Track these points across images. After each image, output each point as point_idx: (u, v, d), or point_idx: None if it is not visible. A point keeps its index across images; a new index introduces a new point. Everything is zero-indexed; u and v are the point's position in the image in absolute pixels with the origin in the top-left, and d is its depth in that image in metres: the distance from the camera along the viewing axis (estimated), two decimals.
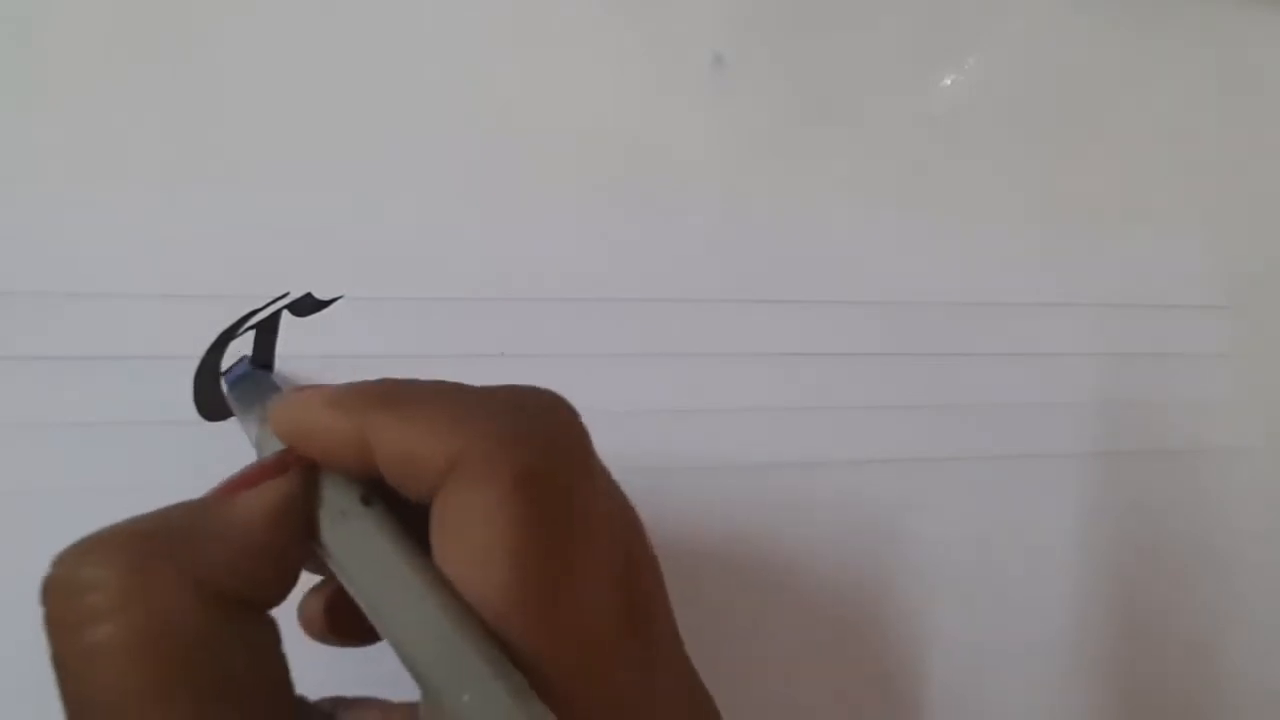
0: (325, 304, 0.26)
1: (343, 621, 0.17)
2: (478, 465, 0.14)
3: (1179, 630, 0.32)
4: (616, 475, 0.17)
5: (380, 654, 0.15)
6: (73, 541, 0.13)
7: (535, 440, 0.15)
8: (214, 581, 0.13)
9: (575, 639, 0.14)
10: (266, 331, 0.25)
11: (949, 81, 0.31)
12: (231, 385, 0.24)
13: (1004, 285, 0.31)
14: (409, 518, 0.15)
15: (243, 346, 0.25)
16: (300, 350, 0.25)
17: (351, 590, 0.15)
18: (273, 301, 0.25)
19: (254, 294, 0.25)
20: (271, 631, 0.14)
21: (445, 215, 0.27)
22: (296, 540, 0.15)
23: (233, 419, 0.25)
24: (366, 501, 0.15)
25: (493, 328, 0.27)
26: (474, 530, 0.14)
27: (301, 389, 0.16)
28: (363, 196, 0.26)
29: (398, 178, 0.27)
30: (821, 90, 0.30)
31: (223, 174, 0.26)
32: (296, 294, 0.26)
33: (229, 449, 0.25)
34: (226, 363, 0.25)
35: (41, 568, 0.23)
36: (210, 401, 0.25)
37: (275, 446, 0.17)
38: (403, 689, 0.15)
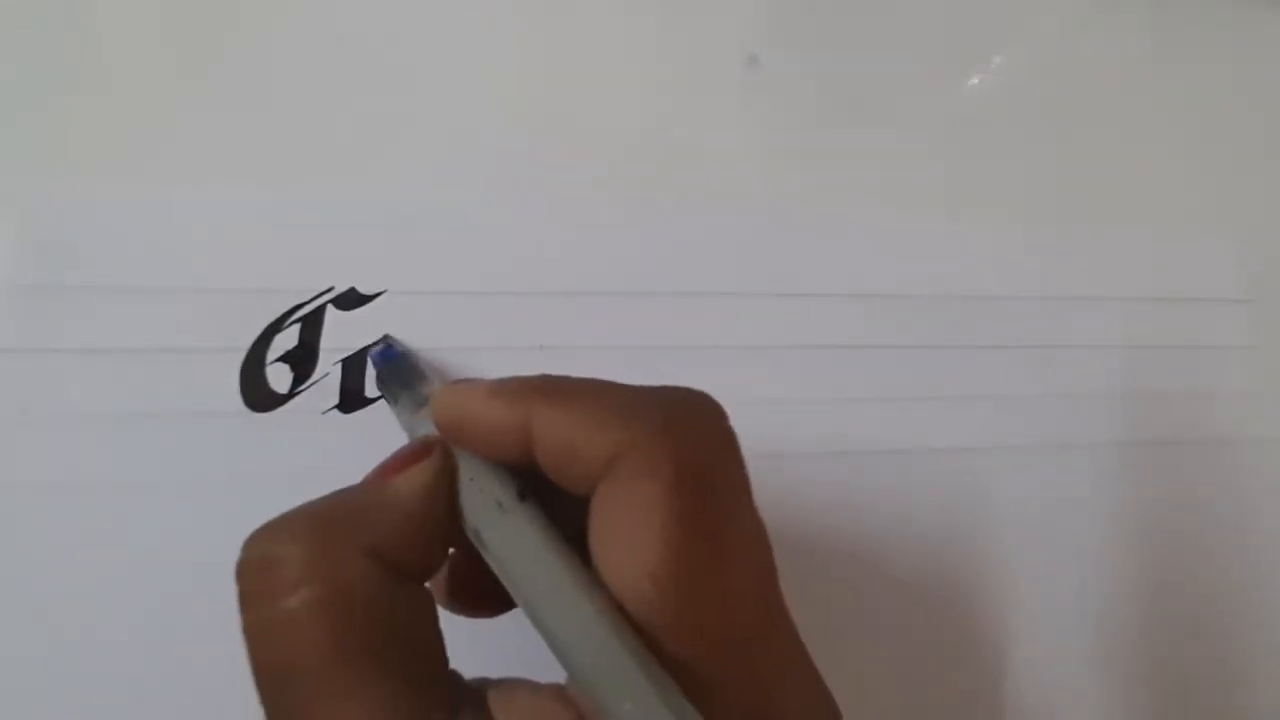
0: (369, 298, 0.26)
1: (461, 592, 0.18)
2: (640, 458, 0.14)
3: (1207, 618, 0.33)
4: None
5: (515, 633, 0.16)
6: (258, 525, 0.15)
7: (695, 436, 0.15)
8: (384, 551, 0.14)
9: (722, 632, 0.14)
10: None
11: (975, 81, 0.32)
12: (380, 366, 0.24)
13: (1030, 280, 0.32)
14: (558, 512, 0.16)
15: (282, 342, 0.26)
16: (344, 344, 0.26)
17: (506, 582, 0.15)
18: (318, 296, 0.26)
19: (299, 289, 0.26)
20: (430, 601, 0.15)
21: (484, 212, 0.27)
22: (446, 516, 0.16)
23: (278, 410, 0.26)
24: (522, 496, 0.16)
25: (530, 321, 0.27)
26: (633, 521, 0.14)
27: (460, 381, 0.17)
28: (403, 193, 0.27)
29: (436, 175, 0.28)
30: (852, 89, 0.31)
31: (267, 171, 0.26)
32: (341, 289, 0.26)
33: (272, 439, 0.25)
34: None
35: (97, 556, 0.24)
36: (257, 392, 0.26)
37: (425, 430, 0.17)
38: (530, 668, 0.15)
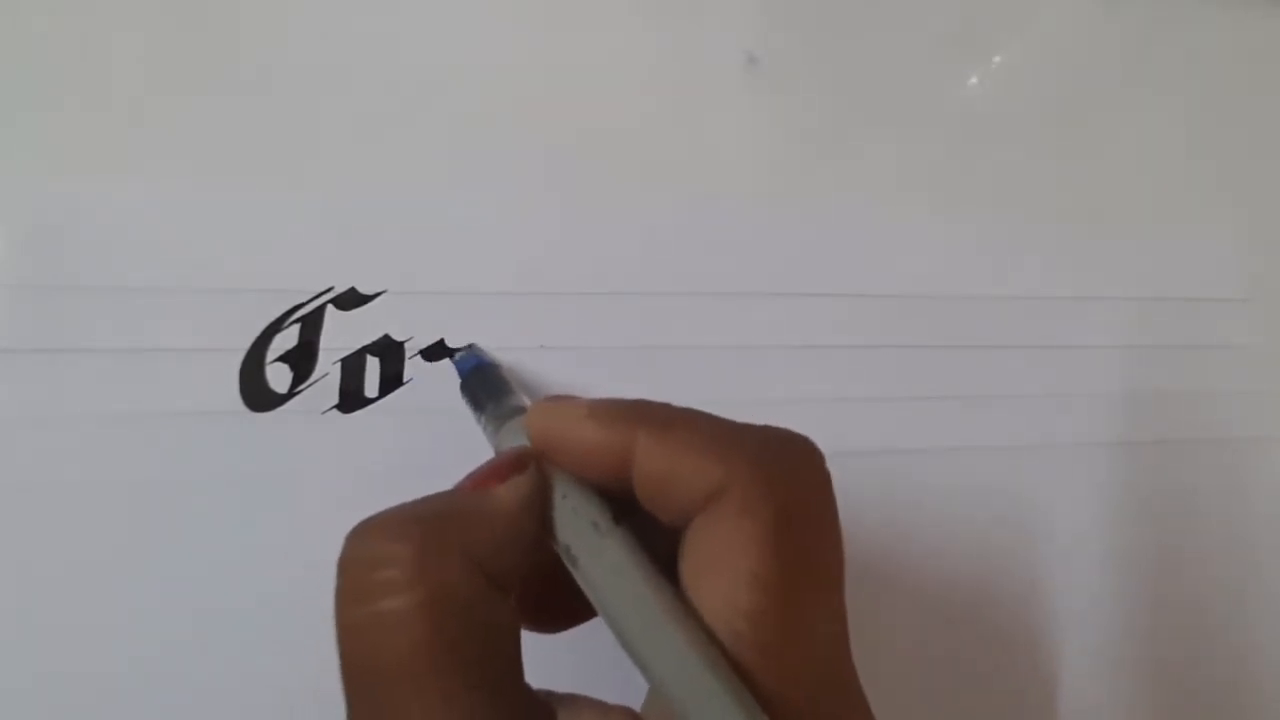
0: (369, 298, 0.26)
1: (536, 607, 0.18)
2: (740, 498, 0.14)
3: (1205, 618, 0.33)
4: None
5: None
6: (361, 521, 0.15)
7: (795, 479, 0.15)
8: (485, 563, 0.14)
9: (808, 674, 0.15)
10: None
11: (975, 80, 0.32)
12: (465, 376, 0.24)
13: (1030, 279, 0.32)
14: (645, 536, 0.16)
15: (286, 341, 0.26)
16: (344, 344, 0.26)
17: (598, 604, 0.15)
18: (318, 296, 0.26)
19: (299, 289, 0.26)
20: (514, 613, 0.15)
21: (484, 212, 0.27)
22: (539, 531, 0.16)
23: (278, 410, 0.26)
24: (617, 519, 0.16)
25: (530, 321, 0.27)
26: (731, 560, 0.14)
27: (558, 398, 0.17)
28: (404, 193, 0.27)
29: (438, 175, 0.27)
30: (850, 89, 0.31)
31: (266, 171, 0.26)
32: (341, 289, 0.26)
33: (272, 439, 0.25)
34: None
35: (97, 555, 0.24)
36: (257, 392, 0.26)
37: (513, 442, 0.18)
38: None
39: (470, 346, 0.26)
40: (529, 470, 0.16)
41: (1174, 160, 0.34)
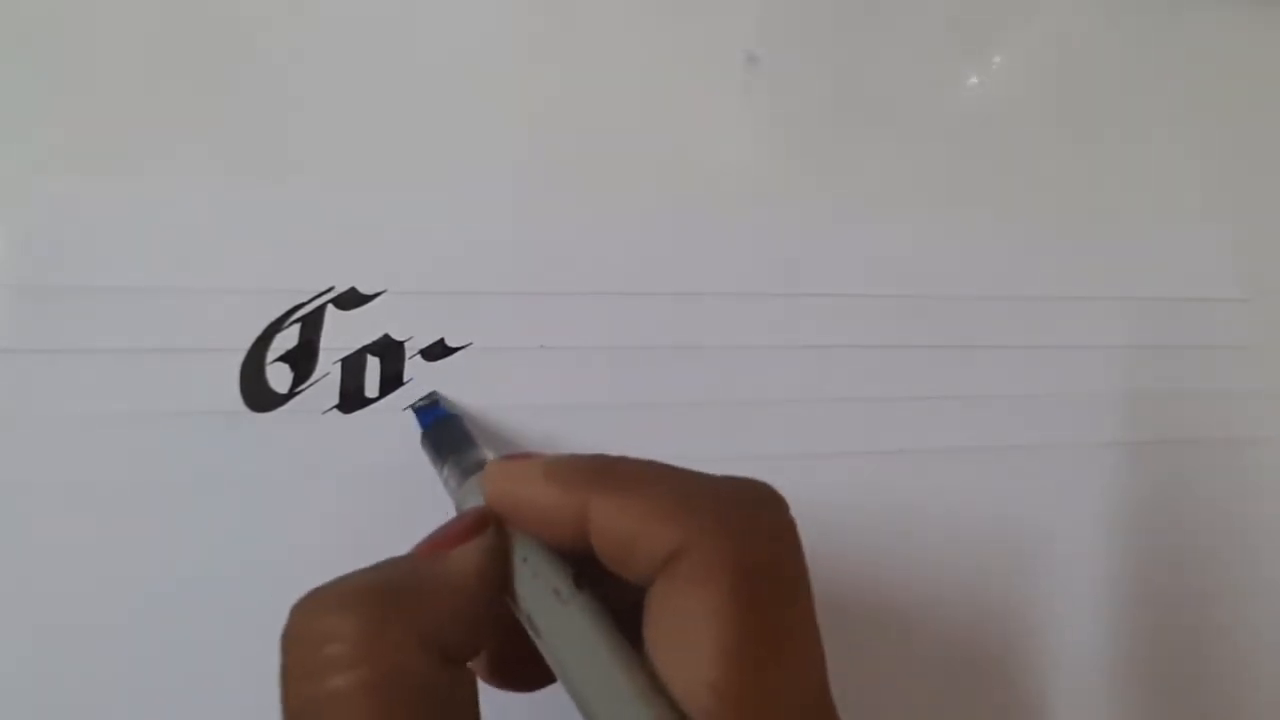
0: (369, 298, 0.26)
1: (504, 669, 0.17)
2: (700, 561, 0.14)
3: (1205, 618, 0.33)
4: None
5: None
6: (307, 591, 0.14)
7: (758, 540, 0.15)
8: (438, 636, 0.14)
9: None
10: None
11: (975, 80, 0.32)
12: (426, 428, 0.24)
13: (1030, 279, 0.32)
14: (610, 592, 0.16)
15: (287, 341, 0.26)
16: (344, 344, 0.26)
17: (560, 673, 0.15)
18: (318, 296, 0.26)
19: (299, 289, 0.26)
20: (473, 683, 0.15)
21: (484, 211, 0.28)
22: (497, 596, 0.16)
23: (278, 410, 0.26)
24: (579, 584, 0.15)
25: (530, 321, 0.27)
26: (693, 628, 0.14)
27: (514, 458, 0.17)
28: (404, 194, 0.27)
29: (438, 175, 0.28)
30: (850, 89, 0.31)
31: (266, 170, 0.27)
32: (341, 289, 0.26)
33: (272, 439, 0.25)
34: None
35: (97, 556, 0.24)
36: (257, 392, 0.26)
37: (474, 500, 0.17)
38: None
39: (431, 395, 0.26)
40: (488, 533, 0.16)
41: (1174, 160, 0.34)
